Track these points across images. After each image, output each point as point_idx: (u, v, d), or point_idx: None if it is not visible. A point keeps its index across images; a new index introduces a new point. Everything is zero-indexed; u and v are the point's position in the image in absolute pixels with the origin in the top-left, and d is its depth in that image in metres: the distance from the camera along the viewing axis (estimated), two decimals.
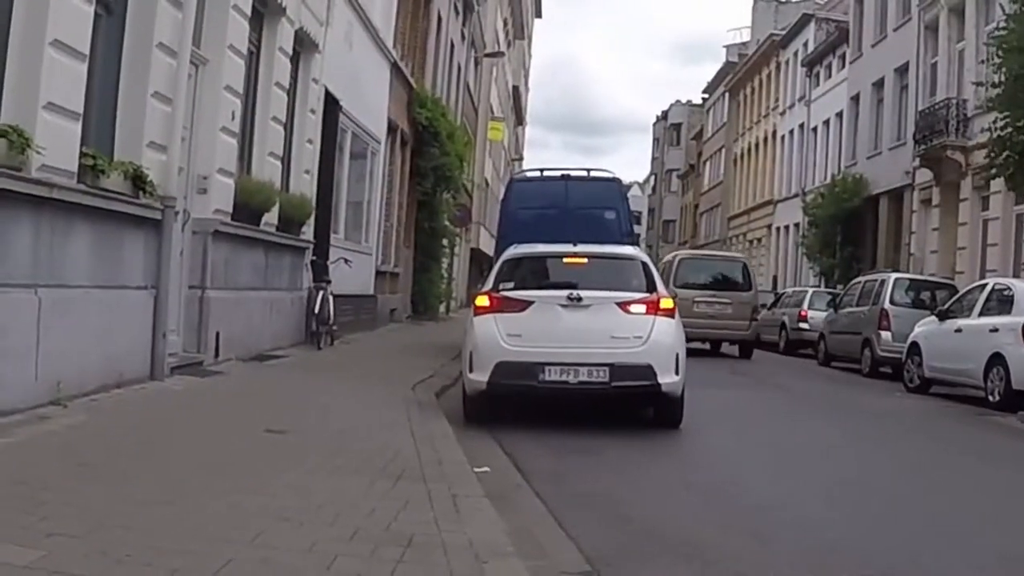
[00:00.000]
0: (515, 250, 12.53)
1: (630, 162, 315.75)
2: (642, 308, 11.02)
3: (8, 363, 7.72)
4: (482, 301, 11.33)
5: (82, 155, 8.90)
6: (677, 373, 10.84)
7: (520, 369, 10.64)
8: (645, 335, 10.83)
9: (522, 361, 10.67)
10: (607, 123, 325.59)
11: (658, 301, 11.14)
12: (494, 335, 10.86)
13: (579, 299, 10.96)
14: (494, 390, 10.81)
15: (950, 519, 7.48)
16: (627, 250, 13.24)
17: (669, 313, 11.16)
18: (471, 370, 10.93)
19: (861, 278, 24.78)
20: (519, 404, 11.44)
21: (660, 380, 10.68)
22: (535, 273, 12.19)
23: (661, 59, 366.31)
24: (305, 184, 16.89)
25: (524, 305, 11.04)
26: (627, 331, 10.83)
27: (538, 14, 79.88)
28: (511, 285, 11.53)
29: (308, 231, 17.07)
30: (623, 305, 11.02)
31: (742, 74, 61.69)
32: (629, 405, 11.69)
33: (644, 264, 11.94)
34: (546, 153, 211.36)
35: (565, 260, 12.01)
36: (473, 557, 5.14)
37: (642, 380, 10.71)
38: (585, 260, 11.94)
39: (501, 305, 11.12)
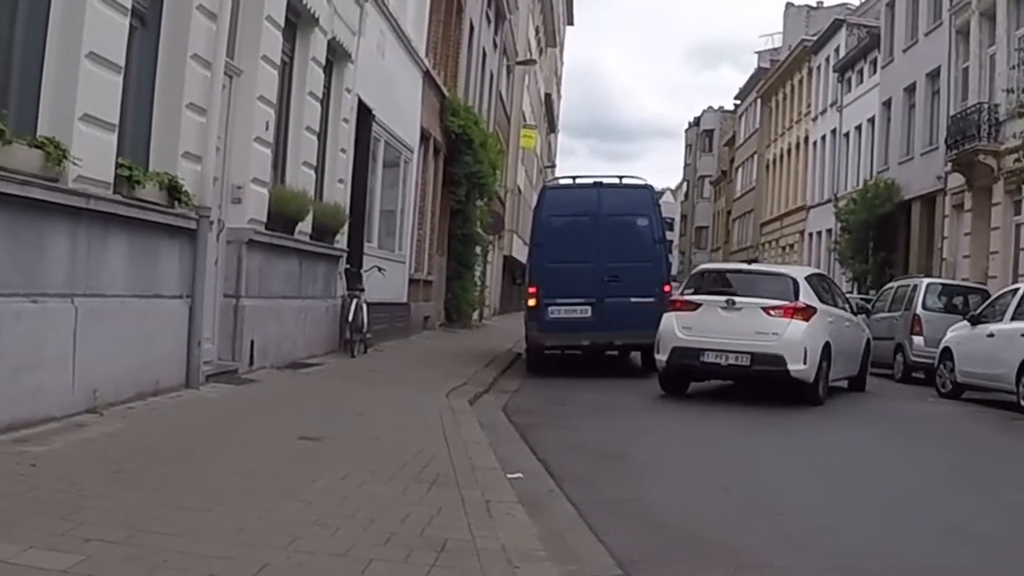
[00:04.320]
0: (704, 265, 17.74)
1: (657, 168, 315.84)
2: (780, 312, 14.42)
3: (45, 372, 7.80)
4: (672, 303, 15.76)
5: (118, 166, 8.98)
6: (805, 363, 14.18)
7: (688, 353, 14.63)
8: (781, 332, 14.27)
9: (689, 347, 14.61)
10: (631, 129, 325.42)
11: (794, 308, 14.49)
12: (672, 328, 14.97)
13: (733, 303, 14.69)
14: (671, 366, 14.99)
15: (982, 524, 7.42)
16: (781, 268, 17.82)
17: (804, 317, 14.52)
18: (658, 351, 15.22)
19: (893, 283, 24.58)
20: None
21: (789, 367, 14.11)
22: (710, 282, 16.07)
23: (679, 64, 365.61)
24: (339, 193, 16.97)
25: (695, 306, 15.05)
26: (766, 329, 14.34)
27: (570, 21, 79.84)
28: (691, 291, 15.61)
29: (342, 240, 17.13)
30: (765, 310, 14.47)
31: (774, 80, 61.44)
32: (769, 385, 14.85)
33: (794, 279, 15.22)
34: (573, 160, 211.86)
35: (729, 274, 16.67)
36: (506, 562, 5.16)
37: (775, 366, 14.20)
38: (748, 275, 16.30)
39: (679, 307, 15.30)
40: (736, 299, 14.71)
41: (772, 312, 14.41)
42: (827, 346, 14.76)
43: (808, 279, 15.57)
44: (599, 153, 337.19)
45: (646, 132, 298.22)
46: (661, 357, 15.06)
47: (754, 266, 17.28)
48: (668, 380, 15.29)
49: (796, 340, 14.19)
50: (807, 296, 14.88)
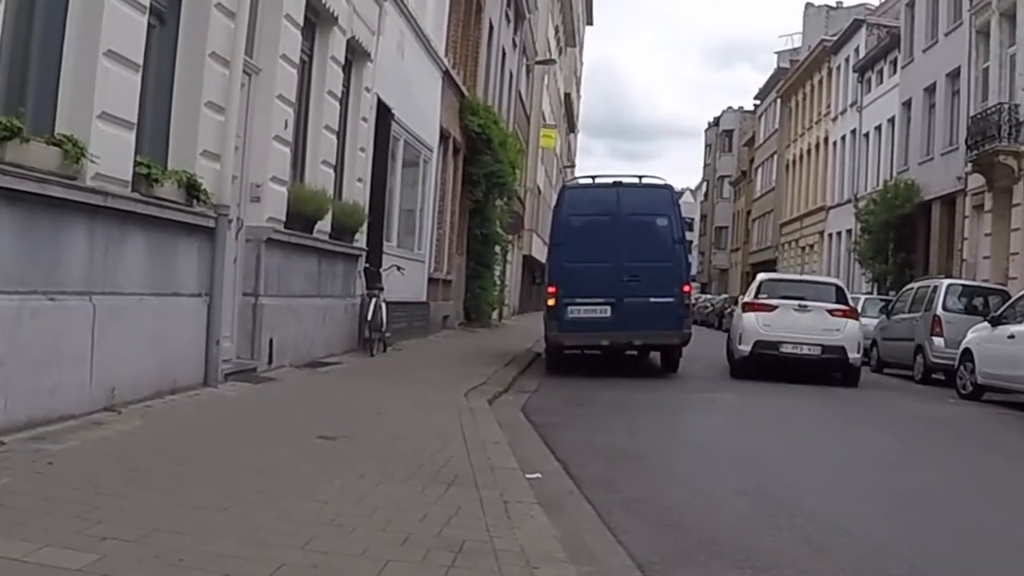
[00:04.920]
0: (767, 275, 22.54)
1: (674, 167, 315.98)
2: (840, 313, 18.77)
3: (63, 369, 7.80)
4: (749, 305, 19.45)
5: (136, 164, 8.97)
6: (858, 352, 18.82)
7: (769, 345, 18.51)
8: (842, 329, 18.54)
9: (770, 340, 18.52)
10: (648, 128, 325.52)
11: (848, 310, 19.00)
12: (754, 324, 18.78)
13: (805, 307, 18.83)
14: (753, 356, 18.68)
15: (1005, 526, 7.36)
16: (826, 279, 25.52)
17: (855, 317, 19.15)
18: (740, 343, 18.97)
19: (913, 284, 24.49)
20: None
21: (848, 356, 18.49)
22: (779, 288, 20.06)
23: (696, 63, 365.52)
24: (358, 192, 16.96)
25: (772, 308, 18.89)
26: (831, 326, 18.55)
27: (589, 21, 79.82)
28: (765, 296, 19.44)
29: (361, 239, 17.14)
30: (830, 311, 18.73)
31: (793, 80, 61.33)
32: (829, 370, 18.80)
33: (839, 287, 20.55)
34: (591, 160, 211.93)
35: (790, 283, 21.77)
36: (524, 563, 5.12)
37: (838, 355, 18.45)
38: (805, 283, 21.86)
39: (758, 308, 19.03)
40: (807, 302, 18.92)
41: (836, 313, 18.67)
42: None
43: (842, 287, 20.68)
44: (617, 153, 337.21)
45: (663, 132, 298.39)
46: (744, 348, 18.75)
47: (805, 276, 25.54)
48: (745, 367, 18.87)
49: (854, 335, 18.63)
50: (850, 298, 19.71)
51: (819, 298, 19.17)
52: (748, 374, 18.64)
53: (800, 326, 18.47)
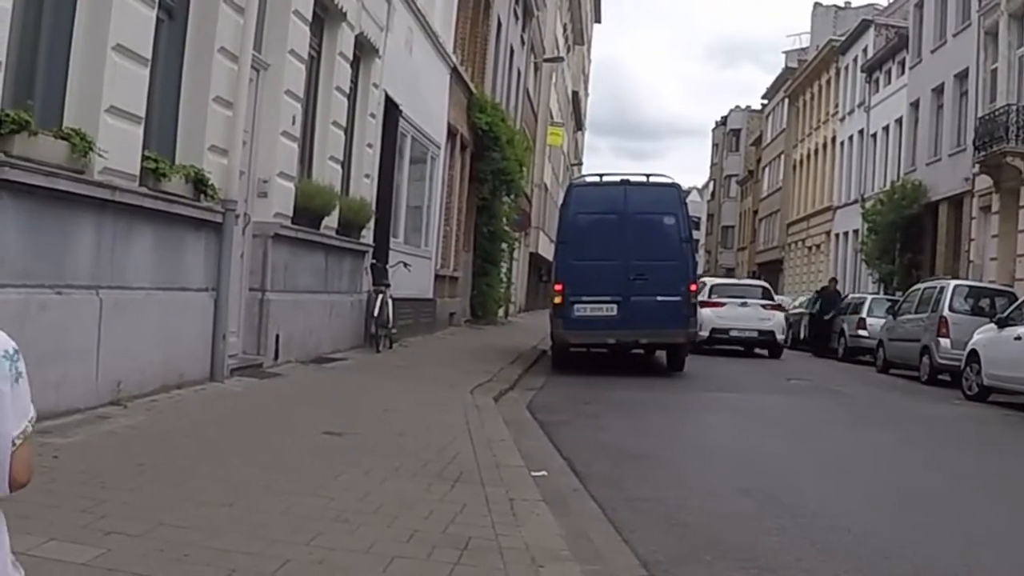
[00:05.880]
0: (715, 281, 31.23)
1: (679, 166, 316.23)
2: (770, 308, 26.70)
3: (69, 363, 7.80)
4: (705, 303, 24.86)
5: (144, 158, 8.98)
6: (782, 335, 26.84)
7: (721, 331, 25.75)
8: (771, 319, 26.24)
9: (722, 327, 25.78)
10: (653, 127, 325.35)
11: (775, 305, 27.24)
12: (711, 316, 25.32)
13: (745, 303, 26.33)
14: (711, 338, 25.37)
15: (1010, 528, 7.33)
16: (756, 282, 33.88)
17: (780, 310, 27.44)
18: (700, 330, 22.36)
19: (920, 285, 24.41)
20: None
21: (776, 338, 26.28)
22: (725, 290, 27.88)
23: (699, 62, 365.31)
24: (365, 188, 16.97)
25: (722, 304, 26.25)
26: (764, 317, 26.15)
27: (597, 19, 79.74)
28: (716, 296, 26.62)
29: (368, 235, 17.14)
30: (763, 307, 26.49)
31: (801, 80, 61.20)
32: (762, 347, 26.42)
33: (765, 288, 28.96)
34: (597, 158, 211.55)
35: (736, 285, 30.71)
36: (529, 561, 5.11)
37: (769, 337, 26.15)
38: (745, 286, 30.10)
39: (712, 304, 25.85)
40: (747, 300, 26.58)
41: (767, 308, 26.66)
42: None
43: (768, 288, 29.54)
44: (622, 151, 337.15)
45: (668, 130, 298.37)
46: (704, 333, 24.19)
47: (742, 280, 35.76)
48: (703, 346, 24.23)
49: (780, 323, 26.75)
50: (775, 298, 28.79)
51: (753, 296, 27.22)
52: (706, 351, 24.28)
53: (742, 317, 26.00)
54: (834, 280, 36.10)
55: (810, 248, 56.86)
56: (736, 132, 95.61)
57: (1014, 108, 28.07)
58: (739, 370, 21.15)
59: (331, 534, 5.21)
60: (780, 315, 26.96)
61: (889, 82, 44.08)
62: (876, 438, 12.12)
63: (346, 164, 16.03)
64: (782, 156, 67.86)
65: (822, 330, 29.89)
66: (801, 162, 61.00)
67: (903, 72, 41.74)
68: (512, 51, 34.81)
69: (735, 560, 5.88)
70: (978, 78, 32.30)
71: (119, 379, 8.47)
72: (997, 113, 28.91)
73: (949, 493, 8.74)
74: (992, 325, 17.72)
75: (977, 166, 30.52)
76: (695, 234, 24.09)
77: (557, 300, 17.69)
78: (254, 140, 12.14)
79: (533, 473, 7.61)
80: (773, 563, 5.85)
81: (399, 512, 5.81)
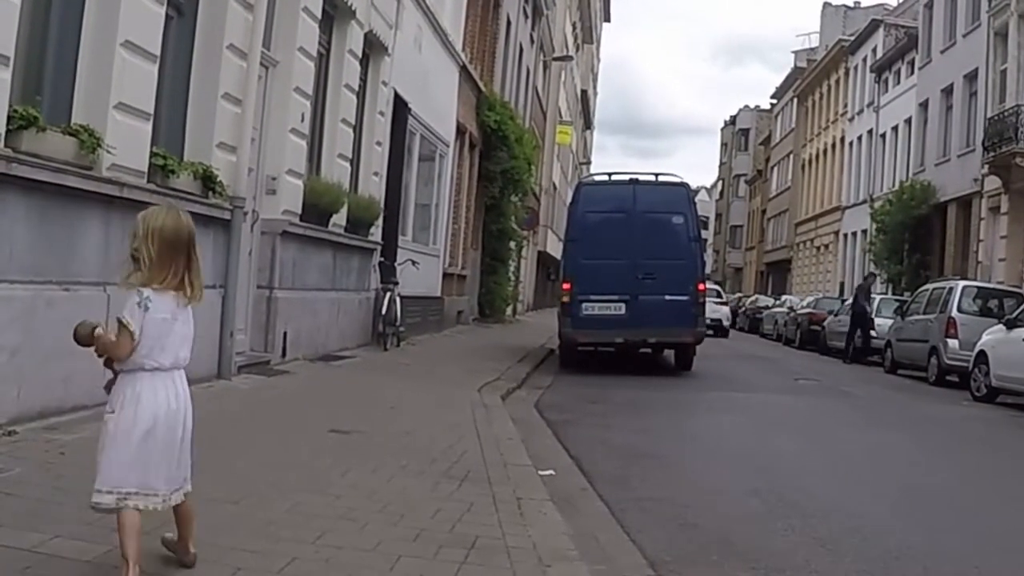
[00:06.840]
0: None
1: (687, 165, 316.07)
2: (720, 303, 38.18)
3: (76, 360, 7.68)
4: None
5: (152, 155, 8.97)
6: (728, 322, 39.44)
7: None
8: (720, 310, 36.61)
9: None
10: (661, 126, 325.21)
11: (724, 301, 40.62)
12: None
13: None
14: None
15: (1017, 529, 7.30)
16: (715, 286, 42.37)
17: (726, 304, 40.76)
18: None
19: (928, 285, 24.35)
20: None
21: (723, 324, 37.69)
22: None
23: (706, 61, 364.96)
24: (373, 186, 16.96)
25: None
26: (716, 309, 32.77)
27: (606, 18, 79.70)
28: None
29: (376, 232, 17.13)
30: (715, 303, 33.51)
31: (810, 79, 61.18)
32: (714, 331, 30.62)
33: (717, 290, 41.17)
34: (605, 157, 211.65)
35: None
36: (536, 560, 5.09)
37: (720, 323, 36.23)
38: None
39: None
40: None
41: (718, 303, 34.38)
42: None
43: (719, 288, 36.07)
44: (630, 150, 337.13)
45: (676, 129, 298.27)
46: None
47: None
48: None
49: (727, 313, 38.19)
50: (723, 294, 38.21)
51: (711, 295, 29.50)
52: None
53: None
54: (872, 275, 33.79)
55: (819, 248, 56.82)
56: (745, 131, 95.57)
57: (1023, 109, 28.02)
58: (747, 370, 21.13)
59: (338, 532, 5.19)
60: (726, 307, 40.09)
61: (898, 82, 44.04)
62: (885, 438, 12.08)
63: (355, 162, 16.01)
64: (791, 156, 67.84)
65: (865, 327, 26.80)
66: (810, 162, 60.98)
67: (912, 72, 41.70)
68: (521, 50, 34.79)
69: (744, 560, 5.86)
70: (987, 78, 32.25)
71: None
72: (1006, 114, 28.88)
73: (958, 494, 8.71)
74: (1001, 326, 17.69)
75: (986, 167, 30.50)
76: (703, 233, 24.16)
77: (565, 298, 17.67)
78: (263, 137, 12.13)
79: (540, 472, 7.58)
80: (782, 564, 5.83)
81: (406, 510, 5.79)
